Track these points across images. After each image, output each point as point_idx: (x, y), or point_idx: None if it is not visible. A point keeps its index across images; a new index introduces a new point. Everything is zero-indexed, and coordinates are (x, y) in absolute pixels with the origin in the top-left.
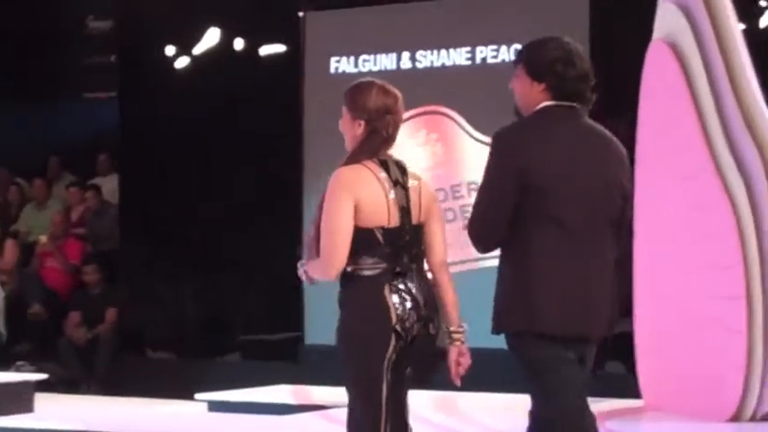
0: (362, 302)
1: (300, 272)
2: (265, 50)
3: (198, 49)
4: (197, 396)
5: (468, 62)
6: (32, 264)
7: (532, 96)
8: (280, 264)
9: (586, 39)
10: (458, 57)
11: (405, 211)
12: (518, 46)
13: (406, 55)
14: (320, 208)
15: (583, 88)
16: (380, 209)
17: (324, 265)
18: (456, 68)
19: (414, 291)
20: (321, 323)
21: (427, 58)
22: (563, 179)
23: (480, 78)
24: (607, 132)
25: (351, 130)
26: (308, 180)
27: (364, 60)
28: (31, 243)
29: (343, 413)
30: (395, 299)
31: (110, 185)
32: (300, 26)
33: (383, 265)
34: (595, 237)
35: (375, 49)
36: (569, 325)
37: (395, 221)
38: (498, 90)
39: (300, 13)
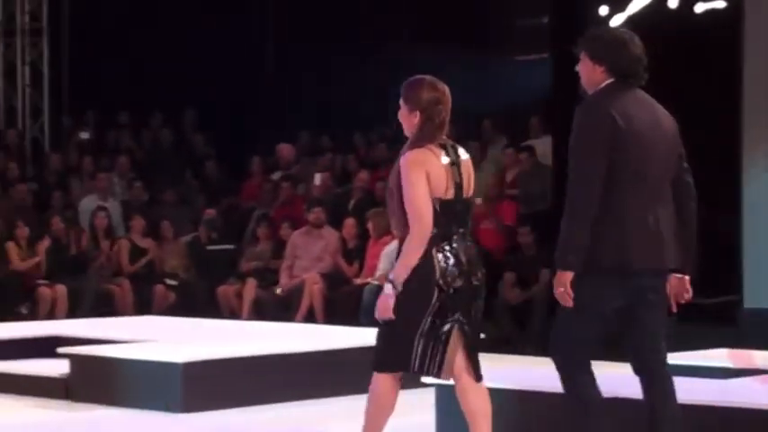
0: (420, 259)
1: (388, 289)
2: (702, 7)
3: (632, 8)
4: None
5: None
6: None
7: (595, 77)
8: (717, 226)
9: None
10: None
11: (458, 186)
12: None
13: None
14: (397, 186)
15: (637, 68)
16: (441, 184)
17: (416, 231)
18: None
19: (457, 249)
20: (762, 286)
21: None
22: (641, 138)
23: None
24: (655, 101)
25: (408, 121)
26: (748, 142)
27: None
28: None
29: None
30: (440, 257)
31: (543, 147)
32: None
33: (434, 230)
34: (663, 185)
35: None
36: (649, 259)
37: (450, 194)
38: None
39: None
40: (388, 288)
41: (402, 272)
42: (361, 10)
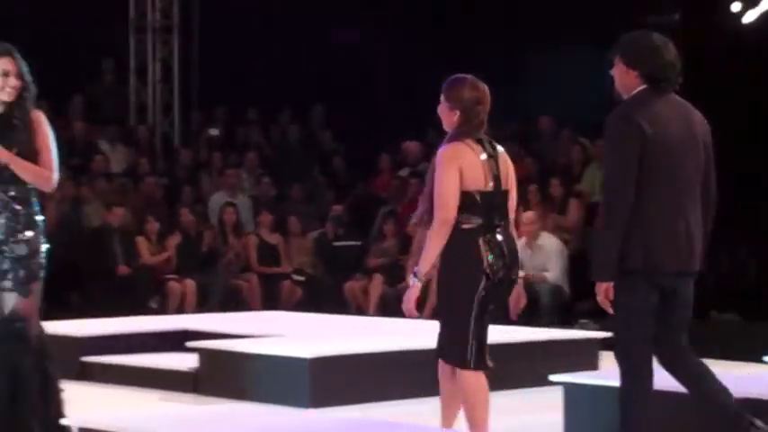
0: (462, 250)
1: (412, 281)
2: None
3: (766, 4)
4: (766, 359)
5: None
6: (596, 223)
7: (629, 81)
8: None
9: None
10: None
11: (497, 178)
12: None
13: None
14: (431, 180)
15: (670, 73)
16: (479, 176)
17: (438, 221)
18: None
19: (501, 242)
20: None
21: None
22: (671, 143)
23: None
24: (689, 105)
25: (448, 117)
26: None
27: None
28: (595, 203)
29: None
30: (486, 248)
31: None
32: None
33: (479, 221)
34: (692, 188)
35: None
36: (678, 262)
37: (490, 186)
38: None
39: None
40: (411, 280)
41: (425, 263)
42: (504, 7)
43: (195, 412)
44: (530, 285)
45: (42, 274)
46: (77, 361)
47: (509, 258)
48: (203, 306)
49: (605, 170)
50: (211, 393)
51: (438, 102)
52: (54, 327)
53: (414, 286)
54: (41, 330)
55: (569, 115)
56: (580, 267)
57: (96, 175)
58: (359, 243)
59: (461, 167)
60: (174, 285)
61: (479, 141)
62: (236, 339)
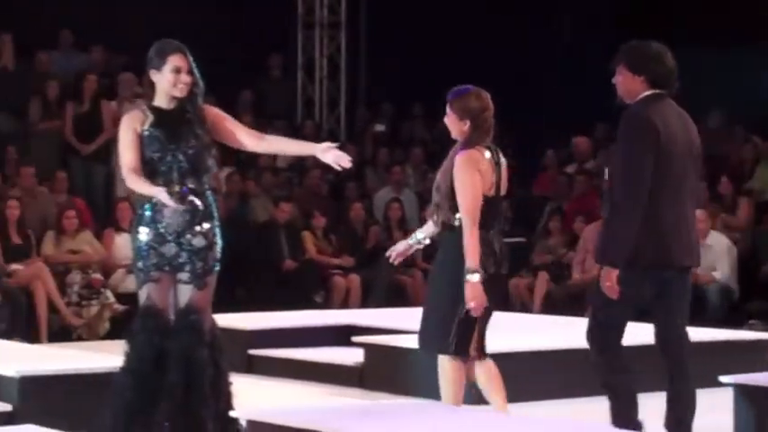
0: (458, 251)
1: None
2: None
3: None
4: None
5: None
6: (765, 221)
7: (634, 87)
8: None
9: None
10: None
11: (498, 185)
12: None
13: None
14: (446, 182)
15: (671, 79)
16: (487, 181)
17: (469, 224)
18: None
19: (492, 240)
20: None
21: None
22: (674, 145)
23: None
24: (683, 110)
25: (458, 127)
26: None
27: None
28: (766, 201)
29: None
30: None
31: None
32: None
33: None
34: (689, 189)
35: None
36: (683, 258)
37: (493, 192)
38: None
39: None
40: (475, 277)
41: (474, 261)
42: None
43: (361, 407)
44: (698, 285)
45: (217, 267)
46: (245, 354)
47: (499, 255)
48: (367, 301)
49: (623, 165)
50: (377, 388)
51: (450, 112)
52: (223, 320)
53: (477, 283)
54: (213, 323)
55: (740, 112)
56: (749, 267)
57: (263, 170)
58: (523, 240)
59: (480, 172)
60: (338, 280)
61: (489, 149)
62: (401, 335)
